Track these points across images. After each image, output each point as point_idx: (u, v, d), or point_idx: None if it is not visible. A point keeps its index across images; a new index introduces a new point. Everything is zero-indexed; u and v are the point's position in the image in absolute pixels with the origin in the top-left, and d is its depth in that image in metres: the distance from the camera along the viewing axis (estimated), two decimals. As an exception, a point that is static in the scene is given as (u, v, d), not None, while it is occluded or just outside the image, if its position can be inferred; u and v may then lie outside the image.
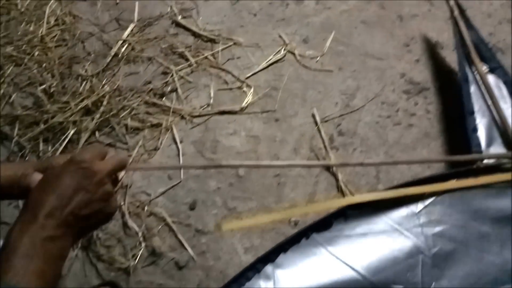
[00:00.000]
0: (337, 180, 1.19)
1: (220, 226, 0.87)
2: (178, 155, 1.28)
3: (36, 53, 1.55)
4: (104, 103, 1.38)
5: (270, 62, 1.43)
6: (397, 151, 1.22)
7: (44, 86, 1.45)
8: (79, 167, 0.56)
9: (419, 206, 0.99)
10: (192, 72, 1.45)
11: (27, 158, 1.32)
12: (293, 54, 1.45)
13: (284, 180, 1.21)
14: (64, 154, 0.72)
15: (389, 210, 0.99)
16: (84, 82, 1.46)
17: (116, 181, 0.70)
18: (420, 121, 1.26)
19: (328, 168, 1.21)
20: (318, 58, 1.43)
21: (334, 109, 1.31)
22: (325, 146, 1.24)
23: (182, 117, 1.35)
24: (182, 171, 1.25)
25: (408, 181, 0.97)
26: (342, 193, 1.17)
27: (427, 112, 1.27)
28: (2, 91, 1.44)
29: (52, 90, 1.44)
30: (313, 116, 1.31)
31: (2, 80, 1.46)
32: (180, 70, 1.45)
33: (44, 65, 1.52)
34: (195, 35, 1.54)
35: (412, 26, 1.45)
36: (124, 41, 1.55)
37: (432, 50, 1.39)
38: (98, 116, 1.35)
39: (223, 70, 1.44)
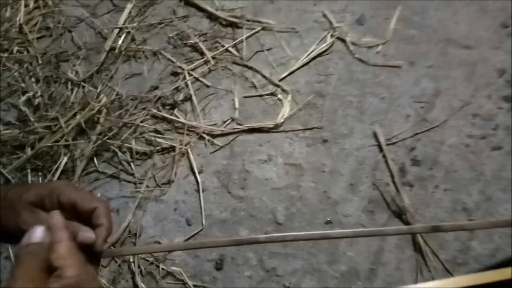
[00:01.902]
0: (413, 233, 0.87)
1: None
2: (198, 191, 0.99)
3: (15, 48, 1.24)
4: (101, 120, 1.08)
5: (313, 55, 1.06)
6: (497, 189, 0.88)
7: (27, 96, 1.15)
8: None
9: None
10: (209, 71, 1.11)
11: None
12: (344, 41, 1.07)
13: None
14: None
15: None
16: (75, 89, 1.15)
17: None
18: (531, 145, 0.90)
19: (399, 215, 0.90)
20: (379, 48, 1.04)
21: (404, 125, 0.96)
22: (394, 182, 0.91)
23: (201, 137, 1.04)
24: (203, 215, 0.97)
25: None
26: (421, 253, 0.86)
27: (540, 130, 0.90)
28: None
29: (37, 101, 1.15)
30: (375, 135, 0.96)
31: (-25, 91, 1.18)
32: (193, 69, 1.11)
33: (25, 65, 1.21)
34: (211, 17, 1.17)
35: (515, -6, 1.03)
36: (121, 29, 1.20)
37: (546, 32, 0.98)
38: (94, 138, 1.06)
39: (250, 68, 1.09)
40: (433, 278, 0.86)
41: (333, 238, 0.51)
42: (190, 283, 0.92)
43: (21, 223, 0.40)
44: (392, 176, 0.92)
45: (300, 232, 0.46)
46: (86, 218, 0.43)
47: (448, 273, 0.86)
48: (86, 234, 0.41)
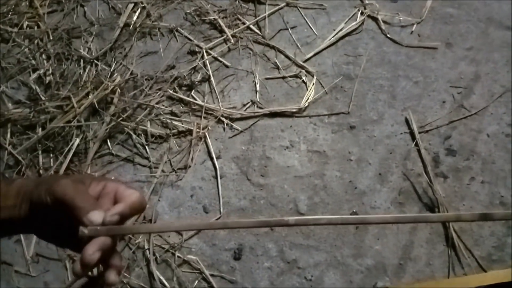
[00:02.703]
0: (446, 227, 0.82)
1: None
2: (216, 177, 0.94)
3: (25, 23, 1.19)
4: (115, 100, 1.03)
5: (341, 34, 0.99)
6: (539, 184, 0.82)
7: (38, 74, 1.11)
8: None
9: None
10: (229, 50, 1.04)
11: (24, 176, 1.03)
12: (375, 20, 0.99)
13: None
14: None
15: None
16: (88, 67, 1.10)
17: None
18: None
19: (431, 208, 0.84)
20: (413, 27, 0.97)
21: (439, 112, 0.89)
22: (426, 173, 0.85)
23: (219, 120, 0.99)
24: (221, 202, 0.92)
25: None
26: (454, 248, 0.81)
27: None
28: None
29: (48, 79, 1.10)
30: (408, 122, 0.90)
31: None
32: (212, 48, 1.05)
33: (36, 41, 1.16)
34: (232, -8, 1.10)
35: None
36: (136, 3, 1.14)
37: None
38: (108, 119, 1.01)
39: (272, 47, 1.02)
40: (465, 276, 0.81)
41: (371, 223, 0.46)
42: (207, 272, 0.88)
43: (64, 187, 0.40)
44: (424, 166, 0.86)
45: (335, 216, 0.40)
46: None
47: (483, 270, 0.81)
48: (91, 213, 0.40)
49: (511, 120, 0.86)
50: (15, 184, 0.43)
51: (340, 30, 0.99)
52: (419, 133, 0.88)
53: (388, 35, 0.97)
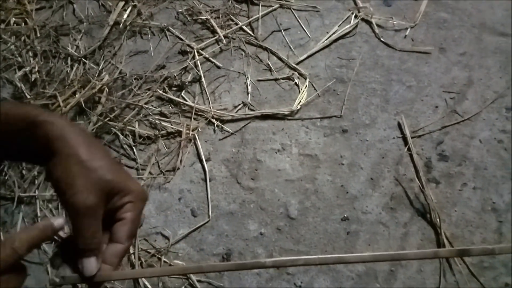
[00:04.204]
0: (437, 233, 0.81)
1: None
2: (205, 180, 0.92)
3: (12, 20, 1.16)
4: (102, 99, 1.01)
5: (335, 37, 0.98)
6: (532, 191, 0.81)
7: (23, 71, 1.08)
8: None
9: None
10: (221, 51, 1.03)
11: (6, 176, 1.00)
12: (369, 23, 0.98)
13: (356, 228, 0.84)
14: None
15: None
16: (75, 66, 1.07)
17: None
18: None
19: (423, 214, 0.83)
20: (407, 31, 0.96)
21: (432, 117, 0.89)
22: (419, 178, 0.84)
23: (209, 122, 0.97)
24: (210, 206, 0.90)
25: None
26: (446, 257, 0.79)
27: None
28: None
29: (34, 77, 1.07)
30: (400, 126, 0.89)
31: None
32: (204, 48, 1.03)
33: (23, 38, 1.13)
34: (224, -8, 1.08)
35: (559, -23, 0.94)
36: (127, 2, 1.11)
37: None
38: (94, 119, 0.99)
39: (265, 49, 1.01)
40: (457, 283, 0.80)
41: (349, 262, 0.44)
42: (193, 278, 0.85)
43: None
44: (416, 171, 0.85)
45: (312, 256, 0.39)
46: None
47: (474, 277, 0.80)
48: (87, 261, 0.35)
49: (503, 126, 0.86)
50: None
51: (334, 33, 0.98)
52: (412, 138, 0.87)
53: (381, 39, 0.96)
